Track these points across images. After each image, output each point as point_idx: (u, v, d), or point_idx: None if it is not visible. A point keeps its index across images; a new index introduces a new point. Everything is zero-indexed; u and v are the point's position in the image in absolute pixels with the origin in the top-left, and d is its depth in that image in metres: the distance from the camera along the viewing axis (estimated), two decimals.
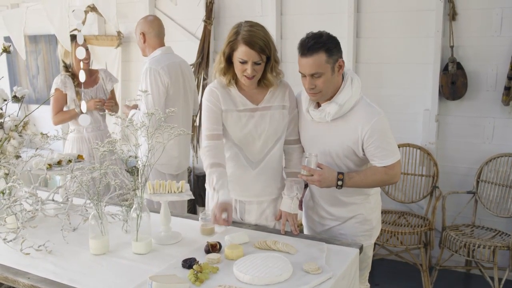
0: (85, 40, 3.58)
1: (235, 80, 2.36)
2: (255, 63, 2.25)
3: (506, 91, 3.61)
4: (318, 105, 2.33)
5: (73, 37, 3.61)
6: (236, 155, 2.42)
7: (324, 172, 2.22)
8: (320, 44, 2.15)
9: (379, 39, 4.06)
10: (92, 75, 3.92)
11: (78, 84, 3.76)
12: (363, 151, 2.27)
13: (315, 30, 2.24)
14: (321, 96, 2.25)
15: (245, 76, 2.28)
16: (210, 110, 2.39)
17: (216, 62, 2.36)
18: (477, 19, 3.72)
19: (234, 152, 2.43)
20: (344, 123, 2.27)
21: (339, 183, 2.23)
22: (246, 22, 2.28)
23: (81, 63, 3.53)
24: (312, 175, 2.21)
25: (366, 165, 2.38)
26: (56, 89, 3.77)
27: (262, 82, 2.36)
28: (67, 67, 3.82)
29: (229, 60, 2.31)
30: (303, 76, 2.23)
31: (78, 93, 3.78)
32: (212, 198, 2.35)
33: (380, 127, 2.22)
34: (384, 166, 2.24)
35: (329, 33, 2.22)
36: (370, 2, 4.04)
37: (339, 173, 2.23)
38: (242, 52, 2.23)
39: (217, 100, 2.38)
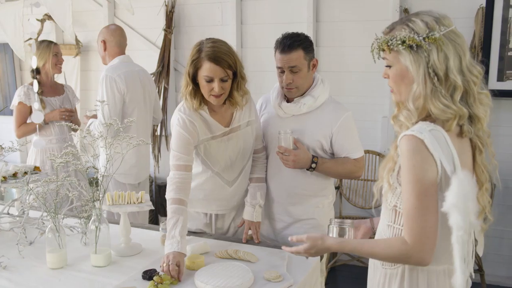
0: (58, 45, 3.73)
1: (205, 102, 2.25)
2: (222, 80, 2.13)
3: None
4: (288, 101, 2.42)
5: (50, 43, 3.68)
6: (212, 177, 2.38)
7: (299, 153, 2.29)
8: (299, 42, 2.30)
9: (338, 48, 4.13)
10: (57, 86, 3.84)
11: (42, 92, 3.67)
12: (331, 144, 2.38)
13: (274, 39, 2.38)
14: (297, 91, 2.36)
15: (212, 95, 2.16)
16: (184, 140, 2.21)
17: (183, 86, 2.22)
18: None
19: (210, 175, 2.38)
20: (314, 118, 2.37)
21: (313, 165, 2.31)
22: (208, 39, 2.17)
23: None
24: (288, 155, 2.27)
25: None
26: (19, 103, 3.65)
27: (228, 100, 2.24)
28: (37, 71, 3.68)
29: (195, 81, 2.19)
30: (281, 72, 2.33)
31: (42, 101, 3.66)
32: (167, 239, 2.05)
33: (350, 122, 2.40)
34: (353, 159, 2.39)
35: (304, 33, 2.36)
36: (328, 12, 4.11)
37: (313, 156, 2.32)
38: (207, 69, 2.11)
39: (195, 131, 2.24)
